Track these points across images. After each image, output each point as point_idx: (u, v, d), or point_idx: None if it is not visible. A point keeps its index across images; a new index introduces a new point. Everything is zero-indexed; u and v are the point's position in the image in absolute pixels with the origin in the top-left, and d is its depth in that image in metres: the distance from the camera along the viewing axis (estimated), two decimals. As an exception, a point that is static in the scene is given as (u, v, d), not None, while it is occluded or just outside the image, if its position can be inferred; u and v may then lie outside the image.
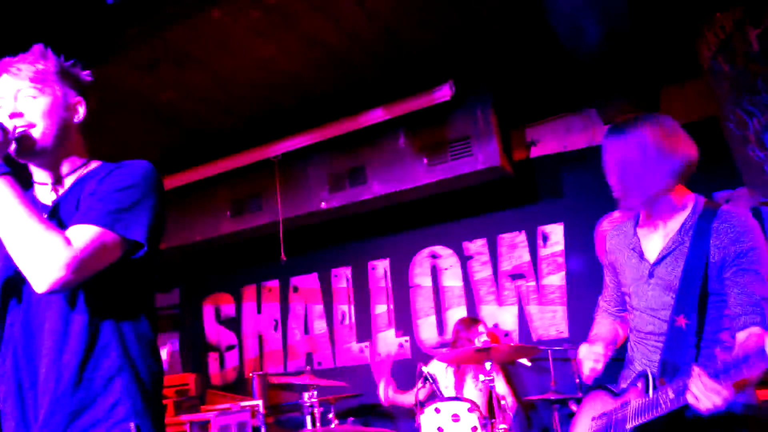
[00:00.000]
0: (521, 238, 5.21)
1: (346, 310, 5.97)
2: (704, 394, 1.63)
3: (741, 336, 1.83)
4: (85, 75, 1.80)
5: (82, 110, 1.75)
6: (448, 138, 4.64)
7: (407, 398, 4.67)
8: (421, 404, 4.03)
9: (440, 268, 5.57)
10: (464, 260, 5.44)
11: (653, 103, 4.66)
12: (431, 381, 4.23)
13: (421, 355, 5.43)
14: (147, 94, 4.24)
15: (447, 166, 4.62)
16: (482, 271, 5.35)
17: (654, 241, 2.10)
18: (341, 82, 4.45)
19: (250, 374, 5.78)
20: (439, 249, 5.60)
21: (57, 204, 1.66)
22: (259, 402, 5.07)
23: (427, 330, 5.51)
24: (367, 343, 5.81)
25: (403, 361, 5.49)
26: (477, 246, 5.39)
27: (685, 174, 2.00)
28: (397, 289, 5.74)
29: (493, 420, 3.64)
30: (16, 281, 1.58)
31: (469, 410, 3.73)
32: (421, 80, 4.45)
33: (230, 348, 6.57)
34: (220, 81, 4.22)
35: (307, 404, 4.66)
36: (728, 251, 1.91)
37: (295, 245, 5.35)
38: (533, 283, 5.12)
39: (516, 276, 5.20)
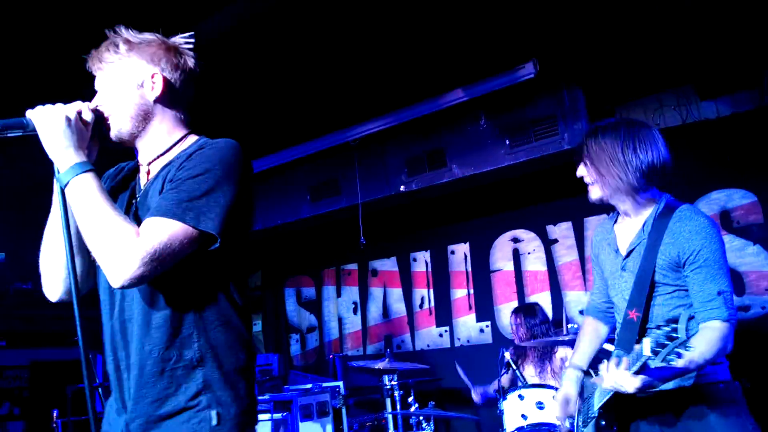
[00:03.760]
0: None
1: (425, 294, 5.94)
2: (616, 385, 1.94)
3: (700, 329, 2.04)
4: (174, 42, 1.68)
5: (159, 83, 1.61)
6: (532, 118, 4.49)
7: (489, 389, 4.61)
8: (504, 391, 3.95)
9: (522, 252, 5.43)
10: (548, 244, 5.28)
11: (756, 77, 4.33)
12: (514, 367, 4.14)
13: (502, 340, 5.33)
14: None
15: (530, 147, 4.48)
16: (567, 256, 5.18)
17: (625, 237, 2.31)
18: (419, 63, 4.37)
19: (331, 356, 5.87)
20: (521, 233, 5.45)
21: (147, 189, 1.62)
22: (340, 383, 5.13)
23: (509, 316, 5.39)
24: (446, 328, 5.76)
25: (483, 347, 5.41)
26: (562, 229, 5.22)
27: (651, 177, 2.21)
28: (477, 273, 5.65)
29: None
30: None
31: (555, 398, 3.62)
32: (502, 59, 4.31)
33: (311, 330, 6.69)
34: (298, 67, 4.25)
35: (387, 387, 4.68)
36: (683, 248, 2.10)
37: (373, 229, 5.35)
38: (621, 269, 4.90)
39: (603, 261, 4.99)
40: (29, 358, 6.50)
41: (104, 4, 3.16)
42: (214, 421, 1.47)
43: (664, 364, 1.82)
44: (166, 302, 1.52)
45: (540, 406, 3.61)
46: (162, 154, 1.64)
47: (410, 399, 4.60)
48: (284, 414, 4.61)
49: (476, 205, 5.54)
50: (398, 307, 6.09)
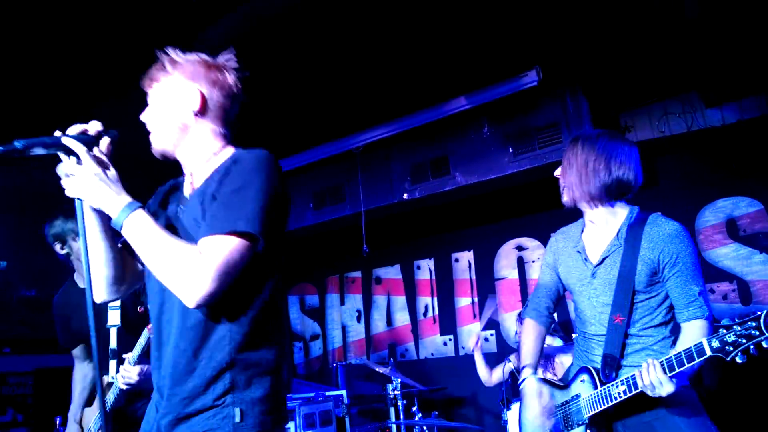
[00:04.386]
0: (613, 229, 4.96)
1: (429, 302, 5.90)
2: (652, 385, 1.99)
3: (685, 327, 2.16)
4: (216, 60, 1.80)
5: (197, 98, 1.73)
6: (536, 126, 4.46)
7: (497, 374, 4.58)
8: (508, 400, 3.91)
9: (527, 260, 5.39)
10: (552, 252, 5.24)
11: (762, 83, 4.30)
12: (518, 375, 4.10)
13: (507, 349, 5.29)
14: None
15: (534, 154, 4.45)
16: (571, 264, 5.14)
17: (596, 245, 2.36)
18: (423, 71, 4.36)
19: (335, 364, 5.83)
20: (525, 240, 5.42)
21: (191, 198, 1.72)
22: (343, 392, 5.09)
23: (513, 324, 5.36)
24: (450, 336, 5.73)
25: (488, 355, 5.37)
26: (565, 237, 5.18)
27: (620, 190, 2.28)
28: (481, 281, 5.62)
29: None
30: None
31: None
32: (506, 67, 4.29)
33: (314, 338, 6.66)
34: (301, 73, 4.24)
35: (391, 396, 4.65)
36: (663, 253, 2.18)
37: (377, 236, 5.33)
38: (626, 277, 4.86)
39: (608, 269, 4.95)
40: (33, 365, 6.49)
41: (112, 8, 3.18)
42: (238, 419, 1.54)
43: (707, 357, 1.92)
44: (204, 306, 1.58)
45: (544, 416, 3.57)
46: (201, 166, 1.74)
47: (414, 408, 4.56)
48: (287, 423, 4.58)
49: (480, 213, 5.52)
50: (402, 315, 6.06)
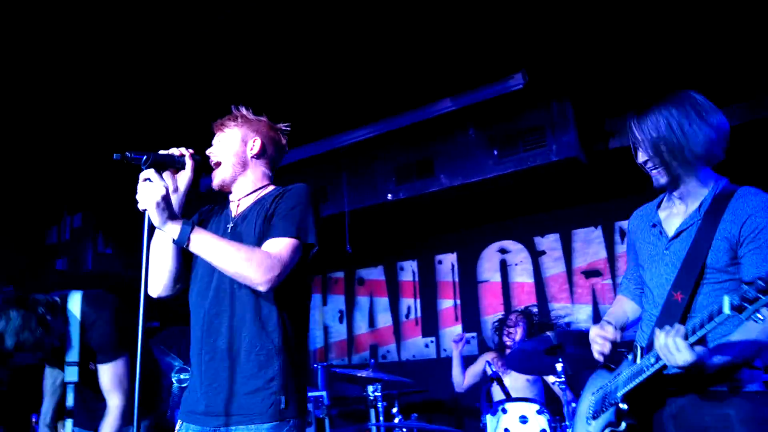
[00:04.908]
0: (597, 233, 4.97)
1: (411, 303, 5.88)
2: (667, 348, 1.76)
3: None
4: (276, 125, 2.30)
5: (257, 145, 2.22)
6: (521, 129, 4.46)
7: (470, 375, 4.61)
8: (488, 405, 3.91)
9: (510, 264, 5.39)
10: (535, 256, 5.25)
11: (747, 90, 4.32)
12: (496, 379, 4.09)
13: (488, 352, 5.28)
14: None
15: (519, 158, 4.45)
16: (555, 268, 5.14)
17: (675, 219, 2.13)
18: (409, 72, 4.34)
19: (315, 365, 5.79)
20: (508, 244, 5.42)
21: (239, 217, 2.16)
22: (324, 393, 5.05)
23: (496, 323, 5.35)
24: (432, 338, 5.71)
25: (469, 358, 5.36)
26: (549, 241, 5.19)
27: (710, 155, 2.04)
28: (464, 283, 5.61)
29: (564, 423, 3.47)
30: (212, 271, 2.05)
31: (539, 412, 3.57)
32: (492, 70, 4.28)
33: (296, 338, 6.61)
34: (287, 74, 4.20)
35: (371, 398, 4.61)
36: (745, 226, 1.91)
37: (361, 237, 5.30)
38: (609, 281, 4.87)
39: (591, 273, 4.97)
40: (8, 360, 6.39)
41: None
42: (283, 405, 1.89)
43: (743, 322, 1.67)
44: (260, 303, 1.97)
45: (523, 420, 3.56)
46: (249, 194, 2.20)
47: (394, 410, 4.53)
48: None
49: (464, 216, 5.51)
50: (384, 317, 6.04)
